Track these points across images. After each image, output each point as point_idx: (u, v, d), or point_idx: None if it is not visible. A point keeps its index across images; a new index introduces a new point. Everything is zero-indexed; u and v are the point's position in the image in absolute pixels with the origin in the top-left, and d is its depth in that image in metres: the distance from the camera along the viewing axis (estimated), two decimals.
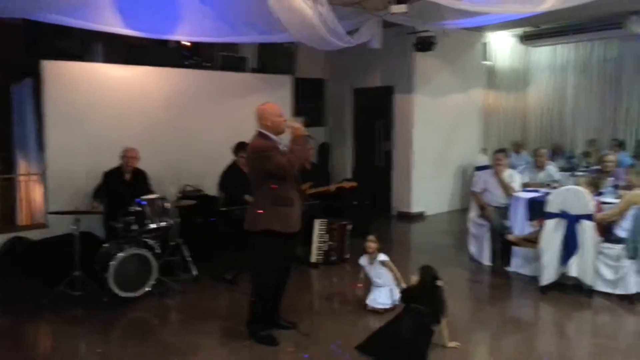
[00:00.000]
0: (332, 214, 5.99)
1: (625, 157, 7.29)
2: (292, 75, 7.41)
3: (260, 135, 3.68)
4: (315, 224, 5.59)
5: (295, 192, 3.70)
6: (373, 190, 7.49)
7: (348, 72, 8.88)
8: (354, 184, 6.21)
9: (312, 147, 6.71)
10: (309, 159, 6.49)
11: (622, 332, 4.05)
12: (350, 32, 6.05)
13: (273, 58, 7.07)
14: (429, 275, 3.56)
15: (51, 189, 5.55)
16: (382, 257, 4.25)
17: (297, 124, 3.67)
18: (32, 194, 6.24)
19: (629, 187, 4.82)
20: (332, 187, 5.98)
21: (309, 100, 8.05)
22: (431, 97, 8.29)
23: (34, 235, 5.45)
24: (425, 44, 7.71)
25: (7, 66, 6.58)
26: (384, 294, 4.20)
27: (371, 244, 4.25)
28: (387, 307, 4.14)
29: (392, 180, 8.47)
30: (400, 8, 5.55)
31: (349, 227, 5.74)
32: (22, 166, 6.44)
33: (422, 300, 3.46)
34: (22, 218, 6.41)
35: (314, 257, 5.59)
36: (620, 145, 7.85)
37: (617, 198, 4.86)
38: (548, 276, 4.63)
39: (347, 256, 5.76)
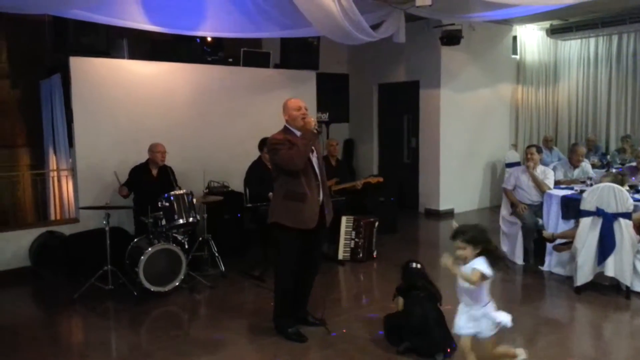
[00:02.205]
0: (358, 210, 5.94)
1: None
2: (316, 70, 7.36)
3: (283, 129, 3.68)
4: (342, 220, 5.54)
5: (312, 188, 3.56)
6: (400, 187, 7.40)
7: (372, 67, 8.78)
8: (381, 179, 6.13)
9: (337, 142, 6.65)
10: (335, 155, 6.44)
11: None
12: (373, 27, 5.98)
13: (296, 53, 7.02)
14: (406, 266, 3.65)
15: (81, 185, 5.62)
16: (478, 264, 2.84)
17: (310, 118, 3.58)
18: (64, 189, 6.34)
19: None
20: (359, 184, 5.93)
21: (332, 95, 7.98)
22: (458, 92, 8.15)
23: (66, 229, 5.53)
24: (451, 38, 7.56)
25: (36, 62, 6.72)
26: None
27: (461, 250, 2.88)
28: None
29: (419, 177, 8.36)
30: (425, 1, 5.45)
31: (377, 223, 5.67)
32: (53, 161, 6.54)
33: (417, 287, 3.49)
34: (54, 213, 6.53)
35: (340, 254, 5.55)
36: None
37: None
38: (583, 276, 4.49)
39: (375, 254, 5.71)
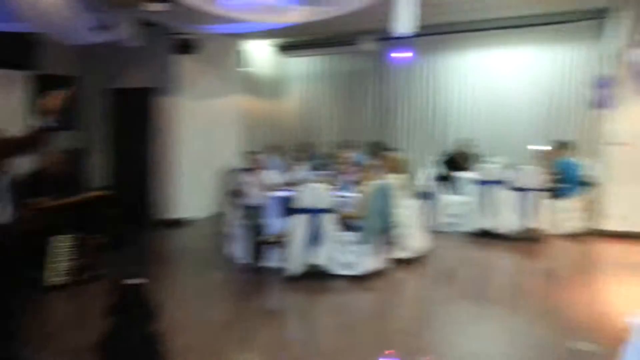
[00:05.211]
0: (82, 228, 5.37)
1: (361, 156, 8.23)
2: (34, 70, 6.42)
3: None
4: (56, 241, 4.94)
5: None
6: (133, 198, 7.01)
7: (104, 71, 8.18)
8: (105, 192, 5.70)
9: (61, 156, 5.81)
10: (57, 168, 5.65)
11: (357, 308, 4.67)
12: (106, 27, 5.57)
13: (8, 50, 6.00)
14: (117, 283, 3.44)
15: None
16: None
17: None
18: None
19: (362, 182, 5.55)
20: (77, 199, 5.36)
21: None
22: (193, 100, 8.22)
23: None
24: (185, 47, 7.61)
25: None
26: None
27: None
28: None
29: (154, 187, 8.09)
30: (157, 6, 5.35)
31: (101, 241, 5.26)
32: None
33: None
34: None
35: (56, 278, 4.92)
36: (357, 146, 8.85)
37: (354, 193, 5.53)
38: (296, 266, 5.13)
39: (103, 272, 5.24)
